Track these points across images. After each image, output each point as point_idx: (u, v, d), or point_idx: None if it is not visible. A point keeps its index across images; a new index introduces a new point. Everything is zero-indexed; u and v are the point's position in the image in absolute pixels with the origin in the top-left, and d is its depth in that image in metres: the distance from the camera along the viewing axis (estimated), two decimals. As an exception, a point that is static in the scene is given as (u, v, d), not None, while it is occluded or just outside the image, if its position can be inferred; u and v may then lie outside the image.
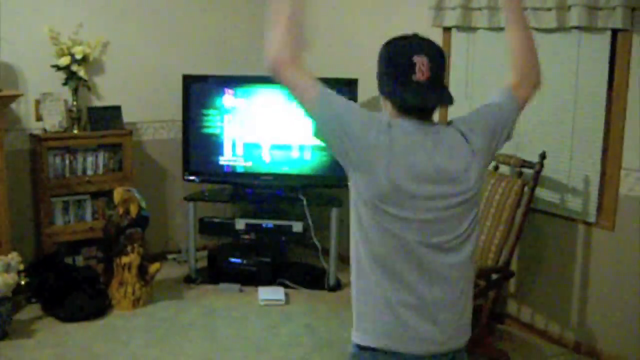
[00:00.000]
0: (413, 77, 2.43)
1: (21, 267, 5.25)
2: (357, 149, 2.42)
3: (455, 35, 5.59)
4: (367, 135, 2.41)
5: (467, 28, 5.44)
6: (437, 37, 5.69)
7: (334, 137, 2.47)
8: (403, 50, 2.51)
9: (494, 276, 4.87)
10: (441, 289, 2.47)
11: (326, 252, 6.17)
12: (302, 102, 2.52)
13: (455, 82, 5.62)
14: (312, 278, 6.28)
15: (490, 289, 4.83)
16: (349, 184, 2.51)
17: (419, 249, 2.44)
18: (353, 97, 5.83)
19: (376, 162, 2.40)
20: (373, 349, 2.50)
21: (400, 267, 2.45)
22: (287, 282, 6.14)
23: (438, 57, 2.52)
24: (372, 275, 2.50)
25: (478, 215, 2.58)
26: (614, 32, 4.59)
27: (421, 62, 2.45)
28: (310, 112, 2.52)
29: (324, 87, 2.50)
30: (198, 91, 6.31)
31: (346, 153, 2.45)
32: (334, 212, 6.07)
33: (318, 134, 2.54)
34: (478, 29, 5.38)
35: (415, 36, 2.58)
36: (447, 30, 5.62)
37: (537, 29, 4.92)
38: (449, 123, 2.62)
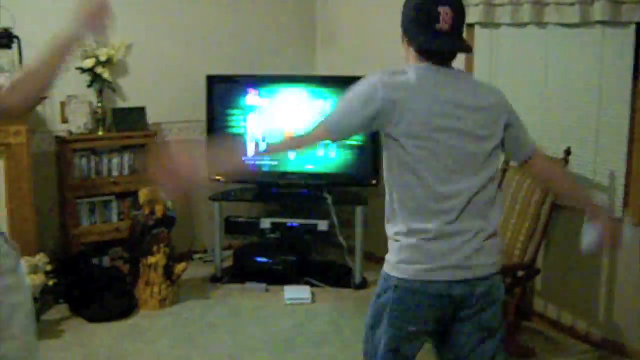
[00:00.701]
0: (437, 25, 2.66)
1: (48, 267, 5.29)
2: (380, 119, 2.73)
3: (478, 31, 5.57)
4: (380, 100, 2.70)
5: (490, 24, 5.41)
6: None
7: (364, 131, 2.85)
8: (429, 0, 2.69)
9: (520, 273, 4.85)
10: None
11: (351, 250, 6.17)
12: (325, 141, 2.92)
13: (478, 78, 5.60)
14: (337, 276, 6.28)
15: (516, 285, 4.81)
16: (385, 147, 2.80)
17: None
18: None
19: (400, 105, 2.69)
20: None
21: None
22: (313, 281, 6.15)
23: (460, 9, 2.73)
24: None
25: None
26: (639, 26, 4.55)
27: (444, 12, 2.65)
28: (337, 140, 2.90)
29: (328, 121, 2.82)
30: (222, 91, 6.33)
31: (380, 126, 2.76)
32: (359, 210, 6.06)
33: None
34: (501, 25, 5.35)
35: None
36: (469, 26, 5.59)
37: (560, 24, 4.90)
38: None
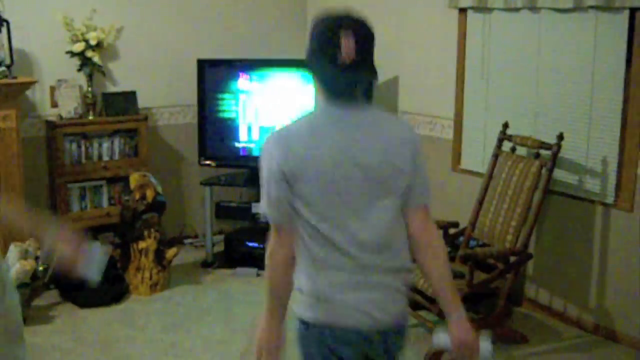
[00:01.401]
0: (339, 58, 2.36)
1: (38, 253, 5.27)
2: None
3: (471, 16, 5.56)
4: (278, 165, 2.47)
5: (483, 9, 5.40)
6: (452, 18, 5.67)
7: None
8: (329, 30, 2.42)
9: (512, 259, 4.85)
10: None
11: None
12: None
13: (471, 62, 5.60)
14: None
15: (508, 271, 4.81)
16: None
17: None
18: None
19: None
20: None
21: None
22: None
23: (366, 34, 2.43)
24: None
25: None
26: (632, 11, 4.54)
27: (347, 43, 2.36)
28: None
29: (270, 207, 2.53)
30: (213, 75, 6.30)
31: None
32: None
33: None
34: (494, 9, 5.35)
35: (344, 15, 2.45)
36: (462, 11, 5.59)
37: (553, 9, 4.89)
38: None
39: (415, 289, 4.61)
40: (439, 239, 2.63)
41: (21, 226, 2.96)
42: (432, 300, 4.55)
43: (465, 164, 5.78)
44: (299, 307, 2.58)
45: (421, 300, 4.69)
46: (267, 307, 2.61)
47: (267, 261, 2.56)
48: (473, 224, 5.16)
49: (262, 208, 2.56)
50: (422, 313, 4.85)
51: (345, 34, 2.35)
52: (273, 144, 2.50)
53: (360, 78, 2.45)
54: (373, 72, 2.47)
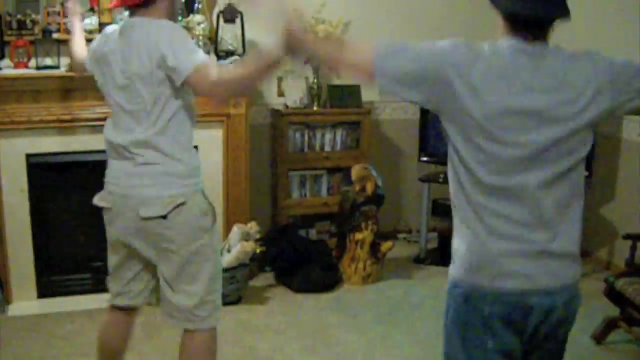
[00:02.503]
0: None
1: (258, 236, 5.44)
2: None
3: None
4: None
5: None
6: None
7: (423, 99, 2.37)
8: None
9: None
10: None
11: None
12: (365, 77, 2.42)
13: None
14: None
15: None
16: None
17: None
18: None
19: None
20: None
21: None
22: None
23: None
24: None
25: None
26: None
27: None
28: (378, 80, 2.38)
29: (379, 44, 2.37)
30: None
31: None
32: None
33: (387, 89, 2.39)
34: None
35: None
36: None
37: None
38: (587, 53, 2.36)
39: (632, 304, 4.45)
40: None
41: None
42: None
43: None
44: None
45: (637, 316, 4.52)
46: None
47: None
48: None
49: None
50: (637, 329, 4.66)
51: None
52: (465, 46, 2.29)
53: (552, 6, 2.26)
54: (564, 4, 2.28)
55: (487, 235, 2.35)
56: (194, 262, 3.26)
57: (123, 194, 3.24)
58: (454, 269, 2.51)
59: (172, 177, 3.18)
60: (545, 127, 2.26)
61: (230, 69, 3.15)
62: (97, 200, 3.37)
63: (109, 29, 3.39)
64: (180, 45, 3.05)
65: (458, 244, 2.46)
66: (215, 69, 3.03)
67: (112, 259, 3.49)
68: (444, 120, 2.36)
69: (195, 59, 3.03)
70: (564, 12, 2.27)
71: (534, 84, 2.25)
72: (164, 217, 3.15)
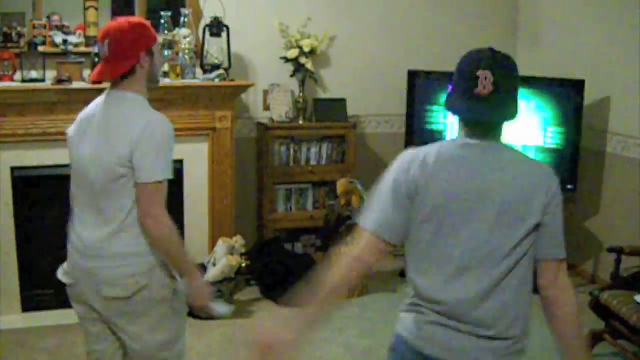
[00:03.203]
0: (475, 90, 2.40)
1: (243, 250, 5.44)
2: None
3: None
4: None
5: None
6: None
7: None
8: (470, 64, 2.46)
9: None
10: None
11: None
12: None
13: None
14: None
15: None
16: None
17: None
18: (579, 99, 5.67)
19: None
20: None
21: None
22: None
23: (503, 72, 2.45)
24: None
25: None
26: None
27: (484, 76, 2.40)
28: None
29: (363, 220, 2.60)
30: (422, 87, 6.30)
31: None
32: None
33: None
34: None
35: (488, 50, 2.51)
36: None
37: None
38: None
39: (617, 317, 4.47)
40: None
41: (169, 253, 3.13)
42: (635, 331, 4.39)
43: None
44: None
45: (622, 329, 4.54)
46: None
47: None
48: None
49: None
50: (623, 342, 4.68)
51: (484, 67, 2.41)
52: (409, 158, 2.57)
53: (496, 112, 2.45)
54: (510, 110, 2.48)
55: None
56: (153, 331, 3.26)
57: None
58: None
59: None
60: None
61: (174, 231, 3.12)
62: None
63: (86, 113, 3.30)
64: (157, 151, 3.03)
65: None
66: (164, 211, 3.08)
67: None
68: None
69: (162, 173, 3.03)
70: (510, 117, 2.48)
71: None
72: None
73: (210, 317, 5.12)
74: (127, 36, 3.07)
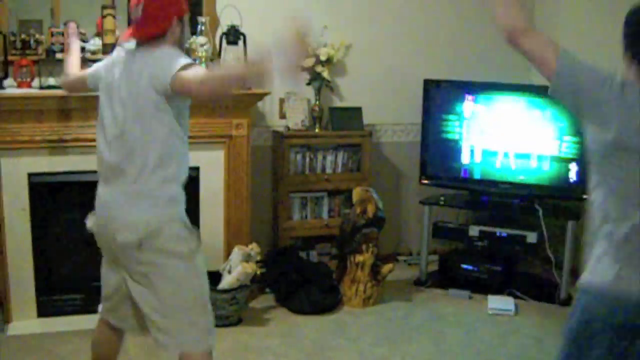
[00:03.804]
0: None
1: (259, 257, 5.45)
2: (593, 112, 2.58)
3: None
4: (602, 96, 2.56)
5: None
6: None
7: (571, 105, 2.65)
8: None
9: None
10: None
11: (559, 265, 6.01)
12: (542, 74, 2.67)
13: None
14: (542, 290, 6.13)
15: None
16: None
17: None
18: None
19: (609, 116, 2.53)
20: None
21: None
22: (517, 293, 6.02)
23: None
24: None
25: None
26: None
27: None
28: (550, 85, 2.66)
29: (564, 56, 2.65)
30: (438, 96, 6.31)
31: (582, 114, 2.62)
32: (570, 225, 5.85)
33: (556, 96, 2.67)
34: None
35: None
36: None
37: None
38: None
39: None
40: None
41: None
42: None
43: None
44: None
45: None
46: None
47: None
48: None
49: None
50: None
51: None
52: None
53: None
54: None
55: None
56: (171, 286, 3.33)
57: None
58: None
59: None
60: None
61: (214, 71, 3.46)
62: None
63: (116, 54, 3.49)
64: (168, 58, 3.22)
65: None
66: (201, 69, 3.28)
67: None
68: None
69: (180, 61, 3.18)
70: None
71: None
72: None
73: (226, 324, 5.16)
74: (161, 2, 3.26)
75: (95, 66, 3.65)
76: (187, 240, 3.34)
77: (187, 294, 3.34)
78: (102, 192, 3.42)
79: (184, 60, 3.21)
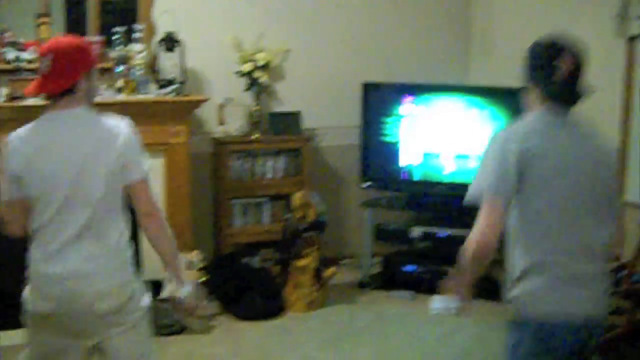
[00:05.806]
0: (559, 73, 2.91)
1: (201, 265, 5.42)
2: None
3: (641, 44, 5.40)
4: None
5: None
6: (619, 47, 5.51)
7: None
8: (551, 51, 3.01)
9: None
10: None
11: (501, 263, 6.05)
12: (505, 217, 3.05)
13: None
14: (486, 289, 6.16)
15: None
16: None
17: None
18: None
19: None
20: None
21: None
22: (461, 292, 6.06)
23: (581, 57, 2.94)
24: None
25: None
26: None
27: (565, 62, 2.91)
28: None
29: (490, 192, 3.05)
30: (377, 98, 6.33)
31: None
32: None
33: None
34: (667, 37, 5.18)
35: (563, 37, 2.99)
36: (631, 40, 5.43)
37: None
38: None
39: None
40: None
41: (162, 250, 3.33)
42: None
43: (630, 196, 5.59)
44: None
45: None
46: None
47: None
48: (637, 258, 4.99)
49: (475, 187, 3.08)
50: None
51: (567, 51, 2.94)
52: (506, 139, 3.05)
53: (575, 90, 2.96)
54: (583, 88, 2.96)
55: None
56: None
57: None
58: None
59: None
60: None
61: (164, 222, 3.40)
62: None
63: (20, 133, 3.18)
64: (136, 146, 3.19)
65: None
66: (157, 197, 3.35)
67: None
68: None
69: (145, 162, 3.23)
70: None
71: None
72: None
73: (169, 333, 5.12)
74: (70, 55, 3.08)
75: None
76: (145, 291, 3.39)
77: (148, 346, 3.39)
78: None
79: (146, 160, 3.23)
